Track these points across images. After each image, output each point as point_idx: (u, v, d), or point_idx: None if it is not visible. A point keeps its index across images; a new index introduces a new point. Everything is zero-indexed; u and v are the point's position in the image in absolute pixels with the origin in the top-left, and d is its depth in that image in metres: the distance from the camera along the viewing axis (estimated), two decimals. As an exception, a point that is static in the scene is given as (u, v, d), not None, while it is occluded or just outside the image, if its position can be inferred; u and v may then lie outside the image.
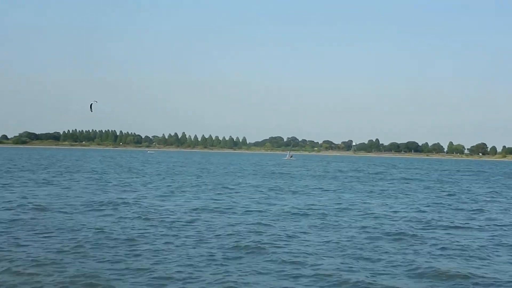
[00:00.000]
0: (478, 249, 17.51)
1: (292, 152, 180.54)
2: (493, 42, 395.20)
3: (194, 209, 25.96)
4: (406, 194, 38.97)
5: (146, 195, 32.76)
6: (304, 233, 19.79)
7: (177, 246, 16.66)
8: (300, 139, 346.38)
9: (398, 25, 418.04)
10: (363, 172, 79.17)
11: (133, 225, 20.40)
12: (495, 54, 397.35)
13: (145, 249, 16.01)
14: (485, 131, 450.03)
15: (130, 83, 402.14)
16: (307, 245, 17.35)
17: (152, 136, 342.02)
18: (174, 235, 18.45)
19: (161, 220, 21.85)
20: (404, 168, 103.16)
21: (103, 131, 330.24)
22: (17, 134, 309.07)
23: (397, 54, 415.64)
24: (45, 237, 17.60)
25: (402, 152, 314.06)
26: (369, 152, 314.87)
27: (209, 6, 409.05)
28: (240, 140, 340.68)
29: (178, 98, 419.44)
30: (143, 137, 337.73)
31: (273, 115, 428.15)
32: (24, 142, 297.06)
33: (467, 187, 50.99)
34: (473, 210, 29.29)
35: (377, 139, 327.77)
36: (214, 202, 29.44)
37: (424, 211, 27.90)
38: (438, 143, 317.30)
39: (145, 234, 18.46)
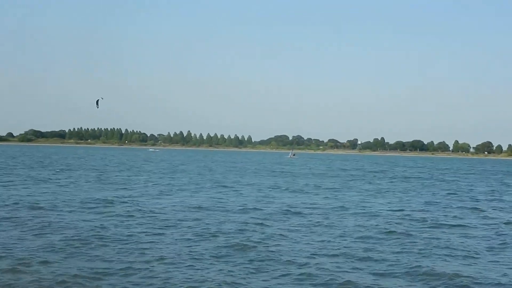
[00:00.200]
0: (468, 248, 17.38)
1: (294, 151, 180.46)
2: (495, 42, 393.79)
3: (187, 207, 25.95)
4: (404, 193, 38.81)
5: (142, 193, 32.75)
6: (295, 231, 19.68)
7: (166, 244, 16.63)
8: (305, 138, 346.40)
9: (400, 24, 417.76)
10: (364, 171, 79.00)
11: (123, 224, 20.33)
12: (498, 52, 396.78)
13: (133, 248, 15.93)
14: (490, 130, 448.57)
15: (135, 83, 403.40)
16: (297, 244, 17.26)
17: (157, 135, 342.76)
18: (161, 234, 18.40)
19: (152, 218, 21.83)
20: (407, 167, 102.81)
21: (109, 129, 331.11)
22: (22, 132, 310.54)
23: (400, 53, 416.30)
24: (34, 235, 17.57)
25: (408, 150, 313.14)
26: (374, 150, 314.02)
27: (209, 6, 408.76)
28: (246, 139, 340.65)
29: (183, 97, 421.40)
30: (148, 135, 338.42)
31: (279, 114, 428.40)
32: (29, 140, 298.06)
33: (466, 185, 50.76)
34: (470, 209, 29.15)
35: (382, 138, 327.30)
36: (208, 201, 29.40)
37: (420, 210, 27.73)
38: (443, 141, 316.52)
39: (135, 233, 18.38)
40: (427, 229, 21.24)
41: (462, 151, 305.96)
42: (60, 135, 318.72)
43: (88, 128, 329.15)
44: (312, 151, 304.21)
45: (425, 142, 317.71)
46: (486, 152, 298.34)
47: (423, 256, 15.95)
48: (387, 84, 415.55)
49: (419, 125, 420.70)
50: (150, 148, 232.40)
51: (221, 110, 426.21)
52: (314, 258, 15.30)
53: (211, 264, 14.35)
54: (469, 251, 16.95)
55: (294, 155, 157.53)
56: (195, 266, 14.07)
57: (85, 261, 14.21)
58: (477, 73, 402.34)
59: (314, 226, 21.07)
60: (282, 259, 15.01)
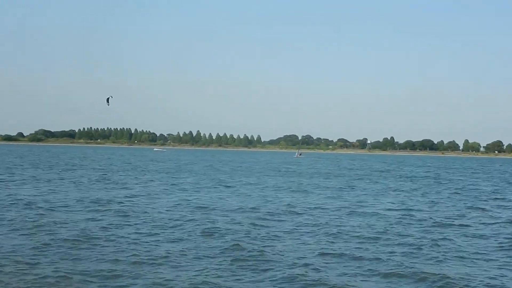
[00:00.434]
0: (458, 248, 17.21)
1: (301, 150, 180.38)
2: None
3: (184, 207, 25.97)
4: (407, 192, 38.57)
5: (141, 193, 32.75)
6: (289, 232, 19.58)
7: (157, 244, 16.60)
8: (315, 138, 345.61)
9: (400, 24, 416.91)
10: (370, 170, 78.68)
11: (114, 224, 20.22)
12: (498, 52, 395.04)
13: (124, 248, 15.89)
14: (501, 129, 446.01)
15: (135, 83, 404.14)
16: (284, 244, 17.16)
17: (167, 134, 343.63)
18: (153, 234, 18.34)
19: (146, 218, 21.77)
20: (415, 166, 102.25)
21: (118, 129, 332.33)
22: (33, 132, 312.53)
23: (400, 53, 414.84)
24: (20, 234, 17.56)
25: (417, 150, 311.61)
26: (384, 150, 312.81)
27: (209, 6, 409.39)
28: (255, 139, 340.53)
29: (183, 97, 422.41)
30: (157, 135, 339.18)
31: (287, 114, 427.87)
32: (39, 140, 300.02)
33: (470, 184, 50.32)
34: (471, 207, 28.92)
35: (392, 137, 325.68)
36: (207, 200, 29.39)
37: (420, 210, 27.44)
38: (453, 141, 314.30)
39: (125, 233, 18.33)
40: (425, 228, 21.07)
41: (472, 151, 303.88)
42: (70, 135, 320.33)
43: (97, 128, 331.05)
44: (321, 151, 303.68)
45: (435, 142, 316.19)
46: (496, 152, 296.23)
47: (414, 257, 15.77)
48: (387, 84, 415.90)
49: (429, 124, 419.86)
50: (156, 148, 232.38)
51: (228, 111, 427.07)
52: (305, 258, 15.15)
53: (201, 263, 14.25)
54: (466, 251, 16.76)
55: (300, 154, 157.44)
56: (185, 265, 14.00)
57: (72, 262, 14.10)
58: (482, 72, 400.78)
59: (309, 226, 20.91)
60: (264, 259, 14.88)
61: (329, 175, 62.46)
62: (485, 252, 16.87)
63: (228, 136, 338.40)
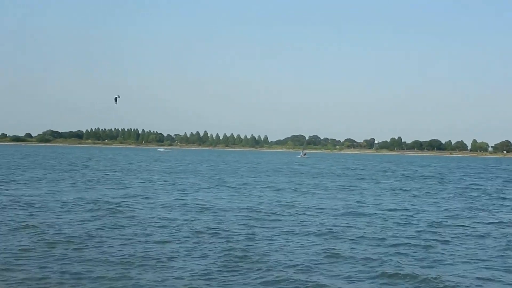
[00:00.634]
0: (438, 249, 17.12)
1: (305, 150, 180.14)
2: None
3: (174, 207, 26.03)
4: (406, 192, 38.46)
5: (135, 193, 32.78)
6: (279, 232, 19.51)
7: (138, 244, 16.57)
8: (322, 138, 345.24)
9: (400, 24, 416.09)
10: (373, 170, 78.39)
11: (104, 224, 20.13)
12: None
13: (106, 251, 15.87)
14: (509, 129, 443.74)
15: (135, 83, 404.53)
16: (276, 244, 17.06)
17: (174, 135, 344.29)
18: (138, 234, 18.31)
19: (133, 218, 21.74)
20: (419, 166, 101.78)
21: (125, 130, 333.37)
22: (41, 133, 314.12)
23: (400, 53, 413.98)
24: (4, 235, 17.56)
25: (425, 150, 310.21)
26: (391, 150, 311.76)
27: (209, 6, 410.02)
28: (262, 139, 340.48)
29: (183, 97, 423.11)
30: (165, 135, 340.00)
31: (294, 114, 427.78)
32: (47, 141, 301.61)
33: (472, 184, 49.97)
34: (468, 209, 28.64)
35: (399, 137, 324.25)
36: (198, 200, 29.38)
37: (416, 210, 27.28)
38: (461, 141, 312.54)
39: (109, 234, 18.28)
40: (421, 229, 20.90)
41: (480, 150, 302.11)
42: (78, 136, 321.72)
43: (105, 129, 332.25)
44: (328, 151, 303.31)
45: (443, 142, 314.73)
46: (504, 152, 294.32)
47: (407, 258, 15.63)
48: (387, 84, 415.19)
49: (437, 124, 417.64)
50: (160, 148, 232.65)
51: (232, 111, 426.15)
52: (297, 259, 15.02)
53: (190, 264, 14.18)
54: (458, 253, 16.59)
55: (305, 154, 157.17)
56: (174, 267, 13.94)
57: (56, 263, 14.00)
58: (488, 72, 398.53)
59: (303, 226, 20.79)
60: (264, 259, 14.80)
61: (330, 175, 62.23)
62: (478, 253, 16.66)
63: (235, 137, 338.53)
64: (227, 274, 13.39)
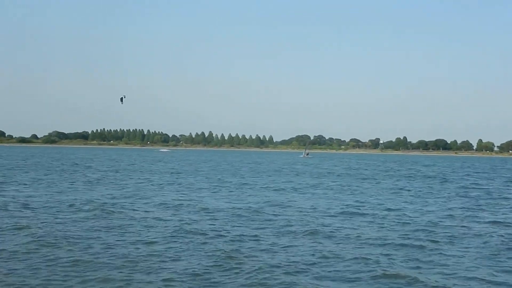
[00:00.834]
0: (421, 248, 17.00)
1: (309, 150, 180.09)
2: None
3: (159, 206, 26.17)
4: (404, 191, 38.35)
5: (128, 194, 32.86)
6: (265, 232, 19.44)
7: (127, 246, 16.54)
8: (327, 138, 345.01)
9: (400, 24, 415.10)
10: (375, 170, 78.19)
11: (87, 226, 20.14)
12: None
13: (86, 253, 15.91)
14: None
15: (135, 83, 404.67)
16: (261, 245, 17.01)
17: (179, 135, 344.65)
18: (114, 235, 18.32)
19: (115, 218, 21.77)
20: (423, 166, 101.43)
21: (131, 130, 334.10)
22: (46, 134, 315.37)
23: (400, 53, 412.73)
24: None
25: (430, 150, 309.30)
26: (396, 150, 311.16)
27: (209, 6, 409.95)
28: (267, 139, 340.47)
29: (183, 97, 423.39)
30: (170, 136, 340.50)
31: (296, 114, 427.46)
32: (53, 142, 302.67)
33: (472, 184, 49.74)
34: (463, 209, 28.42)
35: (404, 137, 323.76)
36: (190, 200, 29.40)
37: (411, 210, 27.16)
38: (467, 140, 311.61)
39: (91, 235, 18.29)
40: (411, 229, 20.79)
41: (486, 150, 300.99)
42: (83, 136, 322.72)
43: (110, 129, 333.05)
44: (333, 151, 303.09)
45: (448, 142, 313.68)
46: (510, 151, 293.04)
47: (394, 259, 15.50)
48: (387, 84, 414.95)
49: (443, 124, 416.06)
50: (162, 149, 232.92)
51: (234, 112, 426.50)
52: (282, 260, 14.94)
53: (169, 265, 14.13)
54: (447, 254, 16.46)
55: (308, 154, 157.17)
56: (155, 266, 13.92)
57: (44, 264, 13.96)
58: (493, 72, 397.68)
59: (292, 226, 20.72)
60: (249, 260, 14.70)
61: (331, 175, 62.02)
62: (471, 253, 16.50)
63: (240, 137, 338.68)
64: (215, 275, 13.31)
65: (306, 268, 14.07)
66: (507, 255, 16.48)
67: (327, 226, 20.89)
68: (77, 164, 75.56)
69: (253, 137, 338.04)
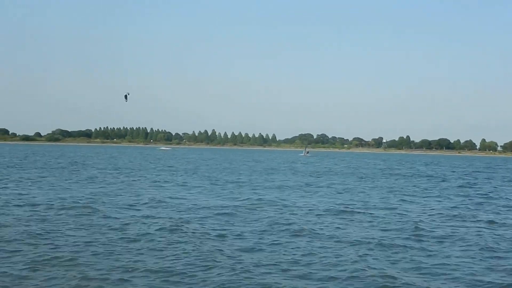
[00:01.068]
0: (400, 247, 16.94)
1: (308, 149, 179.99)
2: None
3: (142, 203, 26.26)
4: (396, 191, 38.22)
5: (114, 191, 32.83)
6: (242, 231, 19.40)
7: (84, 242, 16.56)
8: (330, 136, 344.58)
9: (400, 24, 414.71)
10: (374, 169, 77.98)
11: (62, 223, 20.04)
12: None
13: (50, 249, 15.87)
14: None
15: (135, 83, 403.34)
16: (234, 243, 16.95)
17: (182, 133, 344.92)
18: (90, 233, 18.31)
19: (99, 217, 21.73)
20: (422, 164, 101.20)
21: (134, 129, 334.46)
22: (50, 132, 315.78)
23: (400, 53, 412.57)
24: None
25: (433, 149, 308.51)
26: (399, 149, 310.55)
27: (209, 6, 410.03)
28: (270, 138, 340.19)
29: (183, 97, 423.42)
30: (173, 134, 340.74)
31: (302, 113, 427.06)
32: (57, 140, 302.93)
33: (466, 183, 49.54)
34: (452, 208, 28.26)
35: (408, 136, 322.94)
36: (175, 197, 29.44)
37: (400, 209, 27.07)
38: (470, 140, 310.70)
39: (62, 232, 18.19)
40: (394, 228, 20.75)
41: (489, 150, 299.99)
42: (87, 135, 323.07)
43: (114, 128, 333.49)
44: (337, 150, 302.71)
45: (451, 141, 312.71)
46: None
47: (367, 259, 15.48)
48: (388, 83, 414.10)
49: (446, 123, 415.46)
50: (162, 147, 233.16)
51: (246, 109, 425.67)
52: (256, 258, 14.92)
53: (148, 265, 14.00)
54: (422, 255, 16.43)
55: (308, 153, 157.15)
56: (131, 266, 13.84)
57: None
58: (496, 72, 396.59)
59: (269, 225, 20.61)
60: (222, 258, 14.70)
61: (327, 173, 61.83)
62: (453, 253, 16.42)
63: (243, 135, 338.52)
64: (194, 274, 13.20)
65: (288, 268, 14.00)
66: (492, 254, 16.40)
67: (314, 225, 20.82)
68: (76, 162, 75.63)
69: (256, 135, 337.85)
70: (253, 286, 12.38)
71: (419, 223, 21.99)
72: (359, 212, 25.09)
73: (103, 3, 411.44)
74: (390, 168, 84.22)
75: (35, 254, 14.65)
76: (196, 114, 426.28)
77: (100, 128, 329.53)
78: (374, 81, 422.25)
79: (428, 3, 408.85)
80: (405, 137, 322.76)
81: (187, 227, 19.41)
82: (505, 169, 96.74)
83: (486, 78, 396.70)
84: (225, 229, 19.32)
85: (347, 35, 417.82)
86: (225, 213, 23.66)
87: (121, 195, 30.38)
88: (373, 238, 18.23)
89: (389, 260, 15.24)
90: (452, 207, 28.89)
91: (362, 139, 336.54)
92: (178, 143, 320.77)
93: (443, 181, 53.50)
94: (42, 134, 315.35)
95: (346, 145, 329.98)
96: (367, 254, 15.81)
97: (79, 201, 26.48)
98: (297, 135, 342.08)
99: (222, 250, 15.66)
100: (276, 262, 14.57)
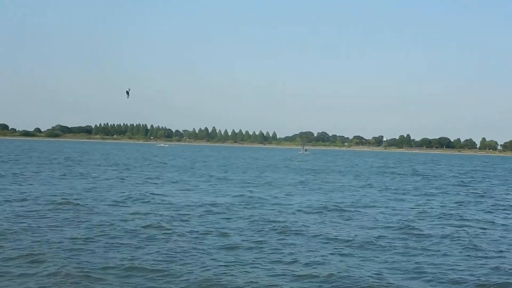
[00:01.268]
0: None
1: (306, 147, 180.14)
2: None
3: (115, 201, 26.00)
4: (386, 189, 38.17)
5: (100, 187, 32.76)
6: (219, 228, 19.28)
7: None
8: (330, 134, 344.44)
9: (400, 23, 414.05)
10: (371, 168, 77.97)
11: (44, 218, 20.05)
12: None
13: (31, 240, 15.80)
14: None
15: (140, 84, 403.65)
16: (211, 242, 16.83)
17: (182, 130, 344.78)
18: (74, 229, 18.26)
19: (84, 212, 21.69)
20: (419, 163, 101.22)
21: (134, 125, 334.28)
22: (50, 128, 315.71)
23: (400, 53, 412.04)
24: None
25: (434, 148, 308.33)
26: (400, 147, 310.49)
27: (209, 6, 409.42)
28: (270, 135, 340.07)
29: (183, 97, 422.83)
30: (173, 131, 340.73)
31: (304, 110, 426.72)
32: (57, 135, 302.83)
33: (459, 181, 49.47)
34: (439, 207, 28.18)
35: (408, 135, 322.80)
36: (161, 194, 29.40)
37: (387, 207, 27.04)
38: (470, 139, 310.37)
39: (41, 227, 18.13)
40: (372, 226, 20.70)
41: (490, 149, 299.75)
42: (87, 131, 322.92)
43: (114, 124, 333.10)
44: (337, 148, 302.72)
45: (452, 140, 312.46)
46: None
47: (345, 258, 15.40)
48: (387, 83, 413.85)
49: (447, 122, 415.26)
50: (160, 144, 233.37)
51: (247, 107, 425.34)
52: (229, 257, 14.76)
53: (127, 263, 13.82)
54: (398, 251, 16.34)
55: (306, 150, 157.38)
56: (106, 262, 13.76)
57: None
58: (498, 71, 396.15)
59: (249, 223, 20.52)
60: (197, 256, 14.60)
61: (322, 171, 61.83)
62: (436, 253, 16.21)
63: (244, 133, 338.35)
64: (174, 271, 13.11)
65: (269, 267, 13.87)
66: (477, 253, 16.31)
67: (299, 223, 20.66)
68: (70, 158, 75.60)
69: (257, 133, 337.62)
70: (234, 284, 12.25)
71: (406, 222, 21.89)
72: (349, 211, 24.96)
73: (103, 3, 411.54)
74: (386, 166, 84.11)
75: (13, 250, 14.53)
76: (196, 111, 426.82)
77: (100, 124, 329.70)
78: (373, 81, 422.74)
79: (427, 3, 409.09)
80: (405, 136, 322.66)
81: (172, 224, 19.29)
82: (502, 168, 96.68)
83: (484, 78, 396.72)
84: (210, 227, 19.17)
85: (347, 35, 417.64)
86: (213, 210, 23.54)
87: (109, 191, 30.26)
88: (360, 236, 18.14)
89: (375, 259, 15.13)
90: (442, 205, 28.78)
91: (362, 137, 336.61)
92: (178, 140, 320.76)
93: (438, 180, 53.38)
94: (42, 130, 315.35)
95: (346, 143, 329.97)
96: (353, 253, 15.72)
97: (67, 197, 26.27)
98: (298, 133, 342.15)
99: (204, 249, 15.50)
100: (259, 260, 14.47)
